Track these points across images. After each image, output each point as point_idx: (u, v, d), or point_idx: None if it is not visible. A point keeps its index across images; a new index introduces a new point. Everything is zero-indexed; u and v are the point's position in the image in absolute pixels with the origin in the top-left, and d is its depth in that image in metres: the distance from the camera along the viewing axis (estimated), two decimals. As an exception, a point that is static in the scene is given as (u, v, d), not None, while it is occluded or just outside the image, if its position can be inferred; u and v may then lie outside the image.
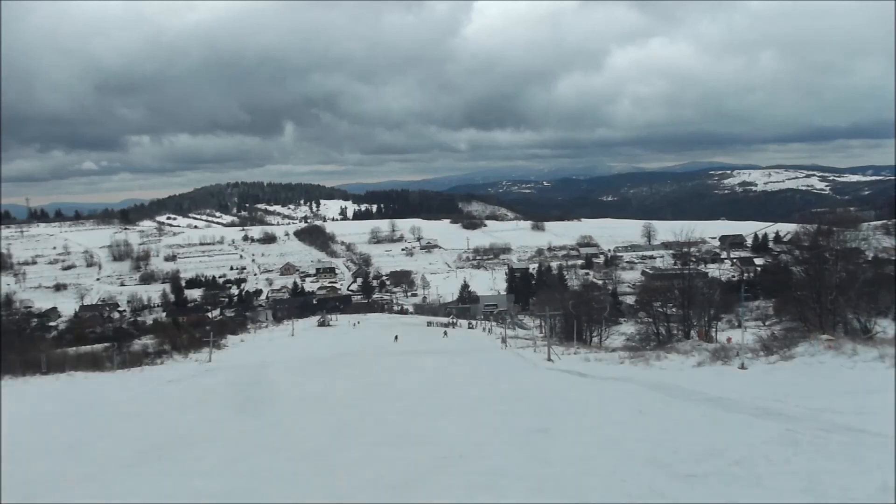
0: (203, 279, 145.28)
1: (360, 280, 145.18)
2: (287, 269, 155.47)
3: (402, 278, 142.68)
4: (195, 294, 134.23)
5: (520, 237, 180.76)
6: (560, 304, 45.41)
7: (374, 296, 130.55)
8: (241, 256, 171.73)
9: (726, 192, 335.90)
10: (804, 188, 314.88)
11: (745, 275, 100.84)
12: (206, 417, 13.19)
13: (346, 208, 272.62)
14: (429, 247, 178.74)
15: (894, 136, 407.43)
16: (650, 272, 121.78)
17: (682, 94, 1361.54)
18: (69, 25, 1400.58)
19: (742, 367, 15.06)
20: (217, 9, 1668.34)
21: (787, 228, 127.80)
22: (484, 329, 64.74)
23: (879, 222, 78.17)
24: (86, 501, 6.40)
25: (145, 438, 10.32)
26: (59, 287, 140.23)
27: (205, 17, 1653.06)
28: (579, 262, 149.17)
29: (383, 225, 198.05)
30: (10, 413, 14.33)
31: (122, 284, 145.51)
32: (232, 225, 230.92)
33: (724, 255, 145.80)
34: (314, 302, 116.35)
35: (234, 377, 22.61)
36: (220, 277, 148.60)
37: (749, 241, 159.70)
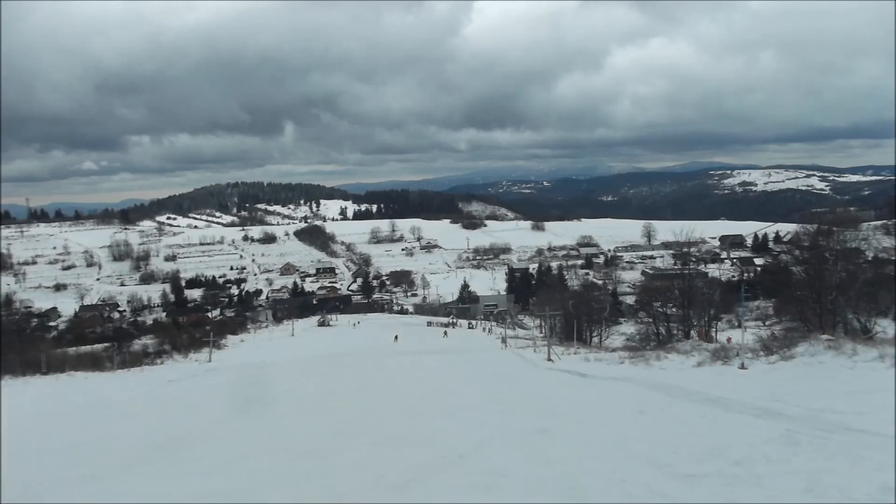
0: (203, 279, 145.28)
1: (360, 280, 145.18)
2: (287, 269, 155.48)
3: (402, 278, 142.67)
4: (195, 294, 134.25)
5: (520, 237, 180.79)
6: (560, 304, 45.41)
7: (374, 296, 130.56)
8: (241, 256, 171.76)
9: (726, 192, 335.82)
10: (804, 188, 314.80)
11: (745, 275, 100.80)
12: (206, 417, 13.19)
13: (346, 208, 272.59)
14: (429, 247, 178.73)
15: (894, 136, 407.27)
16: (650, 272, 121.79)
17: (682, 94, 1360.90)
18: (69, 25, 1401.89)
19: (742, 367, 15.05)
20: (217, 9, 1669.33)
21: (787, 228, 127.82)
22: (484, 329, 64.77)
23: (879, 222, 78.08)
24: (86, 501, 6.39)
25: (145, 438, 10.32)
26: (59, 287, 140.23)
27: (205, 17, 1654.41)
28: (579, 262, 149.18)
29: (383, 225, 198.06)
30: (10, 413, 14.33)
31: (122, 284, 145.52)
32: (232, 225, 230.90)
33: (724, 255, 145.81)
34: (314, 302, 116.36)
35: (234, 377, 22.63)
36: (220, 277, 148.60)
37: (749, 241, 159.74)
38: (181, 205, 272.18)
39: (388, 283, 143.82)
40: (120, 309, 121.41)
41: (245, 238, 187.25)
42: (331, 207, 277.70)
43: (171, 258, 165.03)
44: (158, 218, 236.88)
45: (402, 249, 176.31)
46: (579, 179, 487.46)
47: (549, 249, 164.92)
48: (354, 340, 48.28)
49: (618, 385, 14.54)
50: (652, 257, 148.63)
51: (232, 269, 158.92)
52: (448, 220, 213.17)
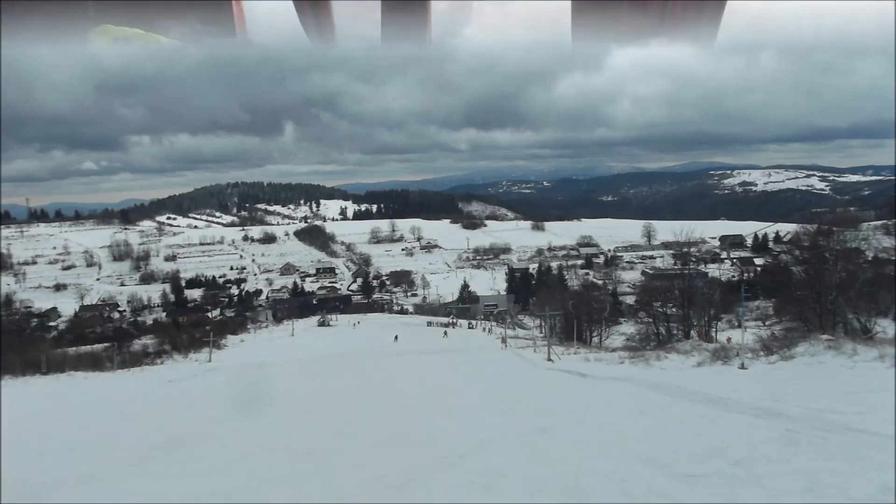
0: (203, 279, 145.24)
1: (360, 280, 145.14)
2: (287, 269, 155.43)
3: (402, 278, 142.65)
4: (195, 294, 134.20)
5: (520, 237, 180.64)
6: (560, 304, 45.40)
7: (374, 296, 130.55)
8: (241, 256, 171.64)
9: (726, 192, 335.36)
10: (804, 188, 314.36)
11: (745, 275, 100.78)
12: (206, 417, 13.20)
13: (346, 208, 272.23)
14: (429, 247, 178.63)
15: (894, 136, 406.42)
16: (650, 272, 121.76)
17: (682, 94, 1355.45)
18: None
19: (742, 367, 15.06)
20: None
21: (787, 228, 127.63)
22: (484, 329, 64.79)
23: (879, 222, 77.97)
24: (86, 501, 6.39)
25: (145, 438, 10.32)
26: (59, 287, 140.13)
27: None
28: (579, 262, 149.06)
29: (383, 225, 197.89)
30: (10, 413, 14.33)
31: (122, 284, 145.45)
32: (232, 225, 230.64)
33: (724, 255, 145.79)
34: (314, 302, 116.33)
35: (234, 377, 22.66)
36: (220, 277, 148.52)
37: (749, 241, 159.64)
38: (181, 205, 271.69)
39: (388, 283, 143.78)
40: (120, 309, 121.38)
41: (245, 238, 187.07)
42: (331, 207, 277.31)
43: (171, 258, 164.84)
44: (158, 218, 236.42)
45: (402, 249, 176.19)
46: (579, 179, 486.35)
47: (549, 249, 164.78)
48: (354, 340, 48.30)
49: (618, 385, 14.54)
50: (652, 257, 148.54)
51: (232, 269, 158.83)
52: (448, 220, 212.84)
